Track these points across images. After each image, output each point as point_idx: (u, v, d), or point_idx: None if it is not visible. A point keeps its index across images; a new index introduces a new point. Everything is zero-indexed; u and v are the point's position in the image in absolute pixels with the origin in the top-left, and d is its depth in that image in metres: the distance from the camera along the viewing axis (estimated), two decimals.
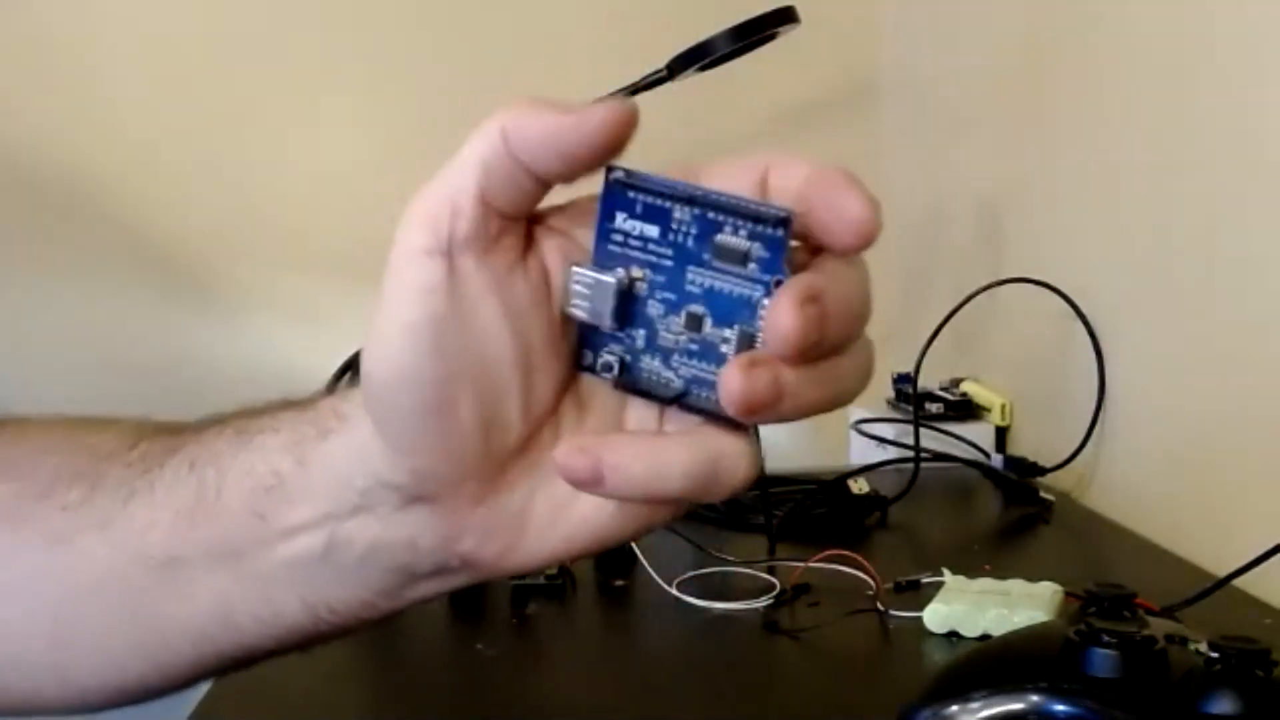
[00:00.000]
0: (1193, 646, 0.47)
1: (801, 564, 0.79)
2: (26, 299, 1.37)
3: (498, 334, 0.35)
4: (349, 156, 1.42)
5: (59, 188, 1.39)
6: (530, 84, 1.36)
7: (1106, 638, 0.46)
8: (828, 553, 0.79)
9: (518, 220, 0.35)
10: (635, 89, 1.03)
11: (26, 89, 1.37)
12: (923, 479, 1.00)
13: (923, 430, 1.05)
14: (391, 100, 1.42)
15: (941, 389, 1.16)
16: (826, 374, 0.34)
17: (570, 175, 0.34)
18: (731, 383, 0.32)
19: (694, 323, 0.35)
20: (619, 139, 0.33)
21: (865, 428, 1.13)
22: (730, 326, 0.34)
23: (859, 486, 0.97)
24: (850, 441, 1.17)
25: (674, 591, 0.79)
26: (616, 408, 0.37)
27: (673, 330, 0.35)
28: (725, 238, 0.34)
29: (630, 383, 0.36)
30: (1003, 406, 1.14)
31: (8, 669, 0.43)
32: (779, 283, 0.33)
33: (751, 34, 1.04)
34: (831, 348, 0.33)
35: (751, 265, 0.34)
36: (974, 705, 0.48)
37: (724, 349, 0.34)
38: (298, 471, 0.38)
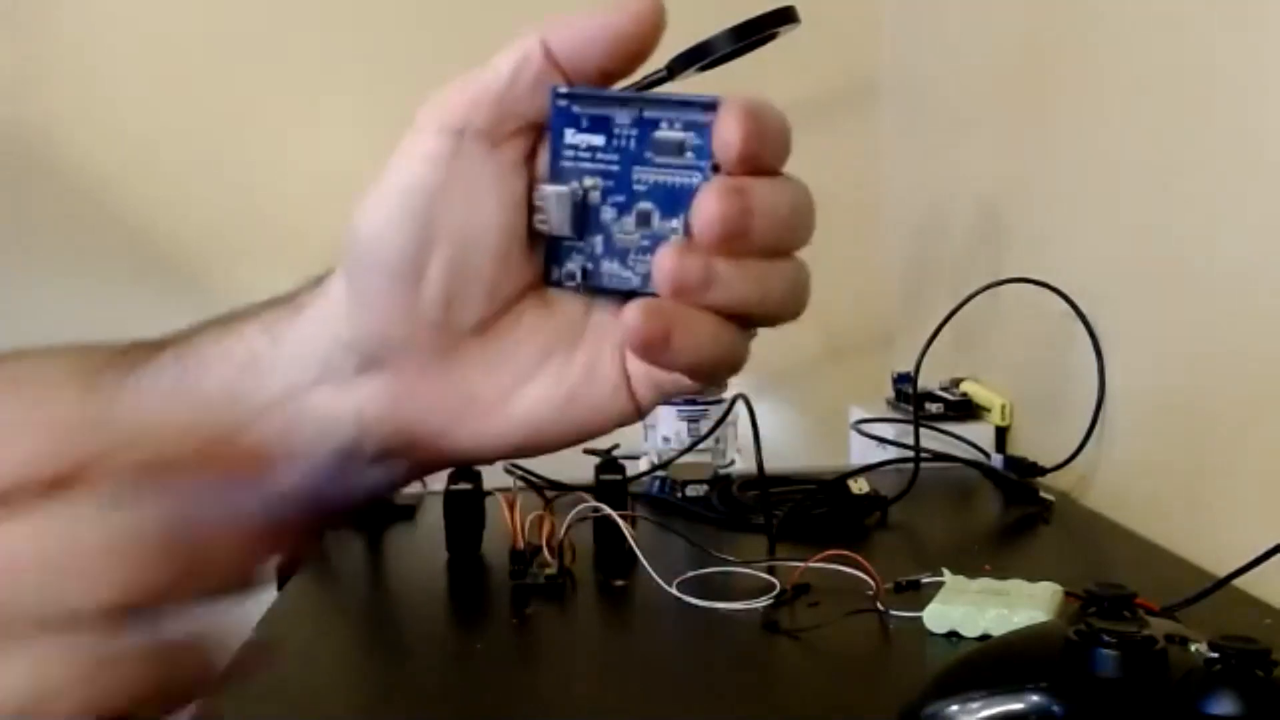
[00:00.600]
0: (1193, 646, 0.47)
1: (801, 564, 0.79)
2: (26, 298, 1.37)
3: (484, 218, 0.37)
4: (349, 156, 1.41)
5: (59, 187, 1.39)
6: None
7: (1106, 638, 0.46)
8: (828, 553, 0.79)
9: (535, 125, 0.37)
10: (635, 88, 1.03)
11: (26, 89, 1.37)
12: (923, 479, 1.00)
13: (923, 430, 1.05)
14: (391, 100, 1.41)
15: (941, 389, 1.16)
16: (756, 273, 0.35)
17: (609, 70, 0.36)
18: (664, 263, 0.34)
19: (644, 219, 0.36)
20: (649, 28, 0.36)
21: (865, 428, 1.13)
22: (676, 216, 0.36)
23: (859, 486, 0.97)
24: (850, 441, 1.17)
25: (674, 591, 0.79)
26: (582, 311, 0.38)
27: (626, 231, 0.37)
28: (662, 133, 0.36)
29: (594, 287, 0.37)
30: (1003, 406, 1.14)
31: None
32: (716, 167, 0.35)
33: (751, 34, 1.04)
34: (759, 247, 0.35)
35: (688, 154, 0.36)
36: (974, 705, 0.48)
37: (674, 239, 0.36)
38: (270, 348, 0.40)
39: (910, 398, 1.09)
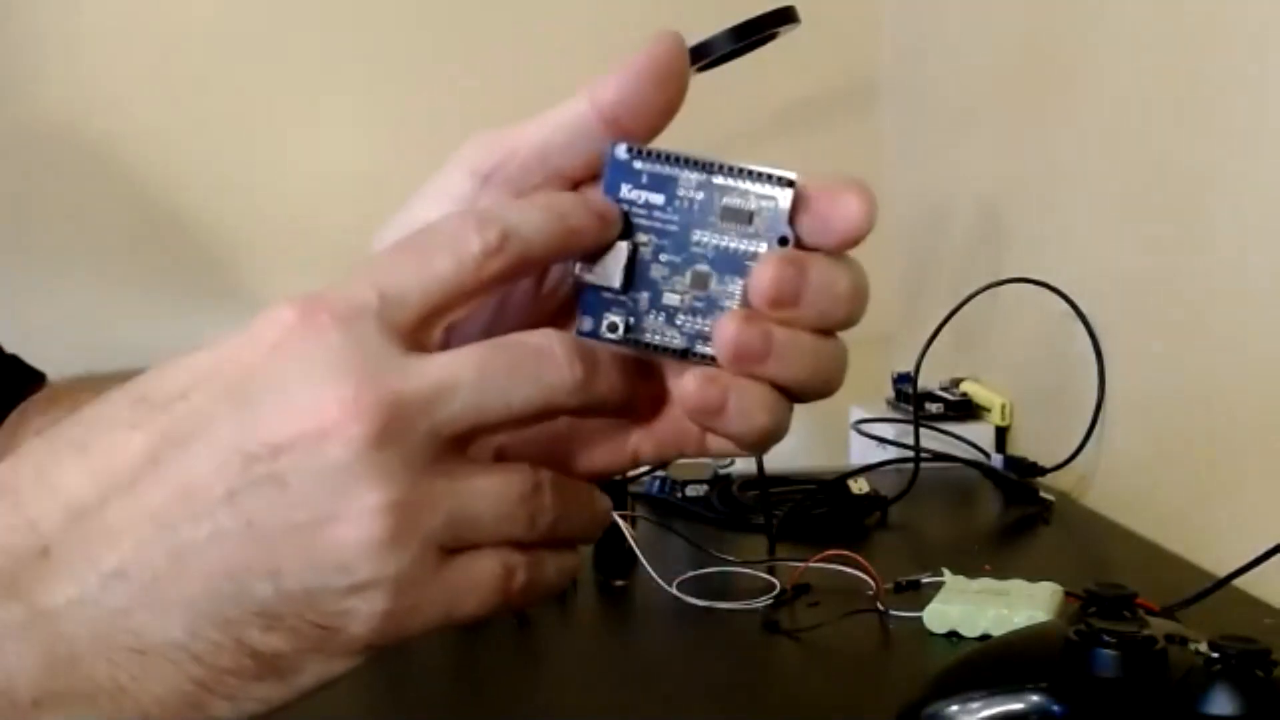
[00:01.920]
0: (1193, 646, 0.47)
1: (801, 564, 0.79)
2: (25, 298, 1.37)
3: None
4: (350, 156, 1.42)
5: (58, 187, 1.39)
6: (530, 84, 1.36)
7: (1106, 638, 0.46)
8: (828, 553, 0.79)
9: (568, 180, 0.37)
10: None
11: (26, 89, 1.37)
12: (923, 479, 1.00)
13: (923, 430, 1.05)
14: (392, 100, 1.42)
15: (941, 389, 1.16)
16: (811, 348, 0.36)
17: (658, 111, 0.36)
18: (726, 330, 0.35)
19: (700, 281, 0.37)
20: (678, 56, 0.36)
21: (865, 428, 1.13)
22: (735, 283, 0.37)
23: (859, 486, 0.96)
24: (850, 441, 1.17)
25: (674, 591, 0.78)
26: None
27: (677, 290, 0.37)
28: (732, 200, 0.36)
29: (633, 341, 0.37)
30: (1003, 406, 1.14)
31: None
32: (783, 240, 0.36)
33: (751, 34, 1.04)
34: (813, 319, 0.36)
35: (756, 224, 0.36)
36: (974, 705, 0.48)
37: (727, 304, 0.37)
38: None
39: (910, 398, 1.09)
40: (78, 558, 0.32)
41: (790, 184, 0.36)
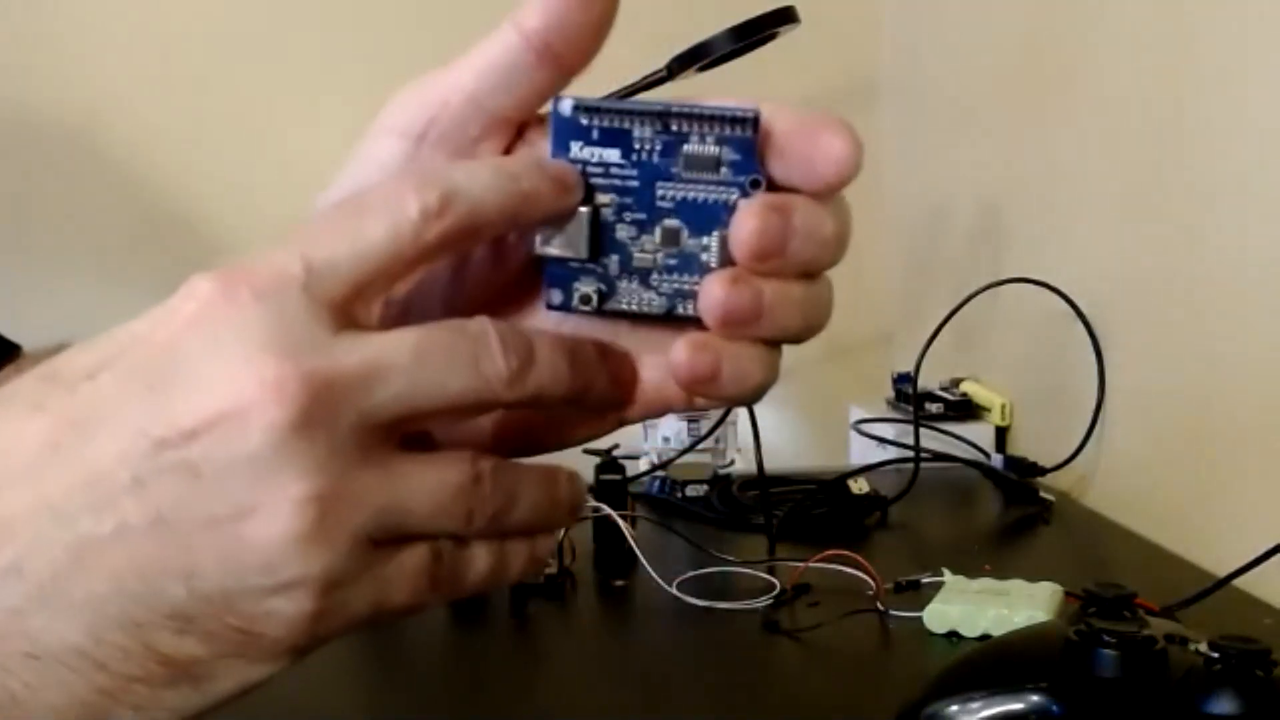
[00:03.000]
0: (1193, 646, 0.47)
1: (801, 564, 0.79)
2: (25, 298, 1.37)
3: None
4: (349, 156, 1.42)
5: (58, 187, 1.39)
6: None
7: (1106, 638, 0.46)
8: (828, 553, 0.79)
9: (509, 125, 0.34)
10: (635, 89, 1.03)
11: (26, 89, 1.37)
12: (923, 479, 1.00)
13: (923, 430, 1.05)
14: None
15: (941, 389, 1.16)
16: (801, 297, 0.33)
17: (578, 34, 0.33)
18: (713, 294, 0.32)
19: (670, 237, 0.34)
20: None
21: (865, 428, 1.13)
22: (709, 234, 0.34)
23: (859, 486, 0.96)
24: (850, 441, 1.17)
25: (674, 591, 0.78)
26: (555, 322, 0.35)
27: (648, 249, 0.34)
28: (694, 147, 0.34)
29: (611, 309, 0.35)
30: (1003, 406, 1.14)
31: None
32: (755, 182, 0.33)
33: (751, 34, 1.04)
34: (800, 266, 0.33)
35: (724, 169, 0.33)
36: (974, 705, 0.48)
37: (705, 258, 0.34)
38: None
39: (910, 398, 1.09)
40: None
41: (755, 121, 0.33)
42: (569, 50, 0.33)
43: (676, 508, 0.97)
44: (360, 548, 0.30)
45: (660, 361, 0.34)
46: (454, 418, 0.32)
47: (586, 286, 0.35)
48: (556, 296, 0.35)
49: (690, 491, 0.99)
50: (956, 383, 1.17)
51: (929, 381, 1.13)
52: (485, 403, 0.31)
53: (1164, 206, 0.93)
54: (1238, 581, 0.74)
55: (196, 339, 0.29)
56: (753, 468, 0.94)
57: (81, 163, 1.38)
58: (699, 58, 1.03)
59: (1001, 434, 1.14)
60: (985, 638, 0.70)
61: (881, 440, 1.10)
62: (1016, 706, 0.47)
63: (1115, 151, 1.00)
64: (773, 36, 1.07)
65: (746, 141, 0.33)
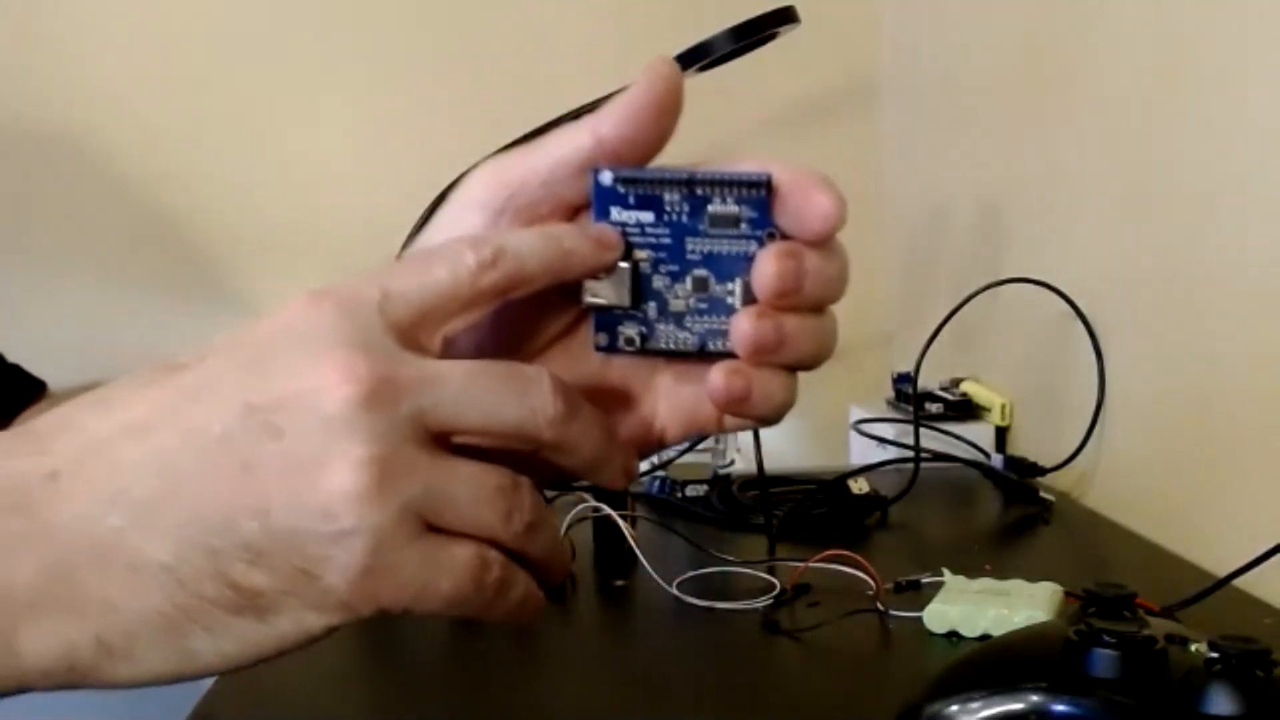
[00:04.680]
0: (1193, 646, 0.47)
1: (801, 564, 0.79)
2: (25, 298, 1.37)
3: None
4: (349, 156, 1.42)
5: (57, 187, 1.39)
6: (529, 84, 1.37)
7: (1106, 638, 0.46)
8: (828, 553, 0.79)
9: (573, 206, 0.40)
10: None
11: (26, 89, 1.37)
12: (923, 479, 1.00)
13: (923, 430, 1.05)
14: (391, 101, 1.42)
15: (941, 389, 1.16)
16: (815, 328, 0.40)
17: (655, 138, 0.39)
18: (742, 328, 0.39)
19: (700, 285, 0.40)
20: (675, 87, 0.39)
21: (865, 428, 1.13)
22: (733, 280, 0.40)
23: (859, 486, 0.97)
24: (850, 441, 1.17)
25: (674, 591, 0.79)
26: (599, 365, 0.42)
27: (680, 296, 0.40)
28: (717, 207, 0.39)
29: (650, 349, 0.41)
30: (1003, 406, 1.14)
31: None
32: (770, 235, 0.39)
33: (751, 34, 1.04)
34: (812, 302, 0.39)
35: (743, 225, 0.39)
36: (974, 705, 0.48)
37: (730, 300, 0.40)
38: None
39: (910, 398, 1.09)
40: (83, 481, 0.35)
41: (767, 185, 0.39)
42: (635, 157, 0.40)
43: (676, 508, 0.97)
44: (410, 518, 0.34)
45: (694, 391, 0.41)
46: (497, 441, 0.37)
47: (630, 330, 0.41)
48: (603, 339, 0.41)
49: (690, 491, 0.99)
50: (956, 383, 1.17)
51: (929, 381, 1.13)
52: (527, 434, 0.37)
53: (1164, 206, 0.93)
54: (1238, 581, 0.74)
55: (288, 336, 0.36)
56: (753, 468, 0.94)
57: (81, 163, 1.38)
58: (699, 58, 1.03)
59: (1001, 434, 1.14)
60: (985, 638, 0.70)
61: (881, 440, 1.10)
62: (1016, 706, 0.47)
63: (1115, 151, 1.00)
64: (773, 36, 1.07)
65: (761, 201, 0.39)
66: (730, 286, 0.40)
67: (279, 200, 1.41)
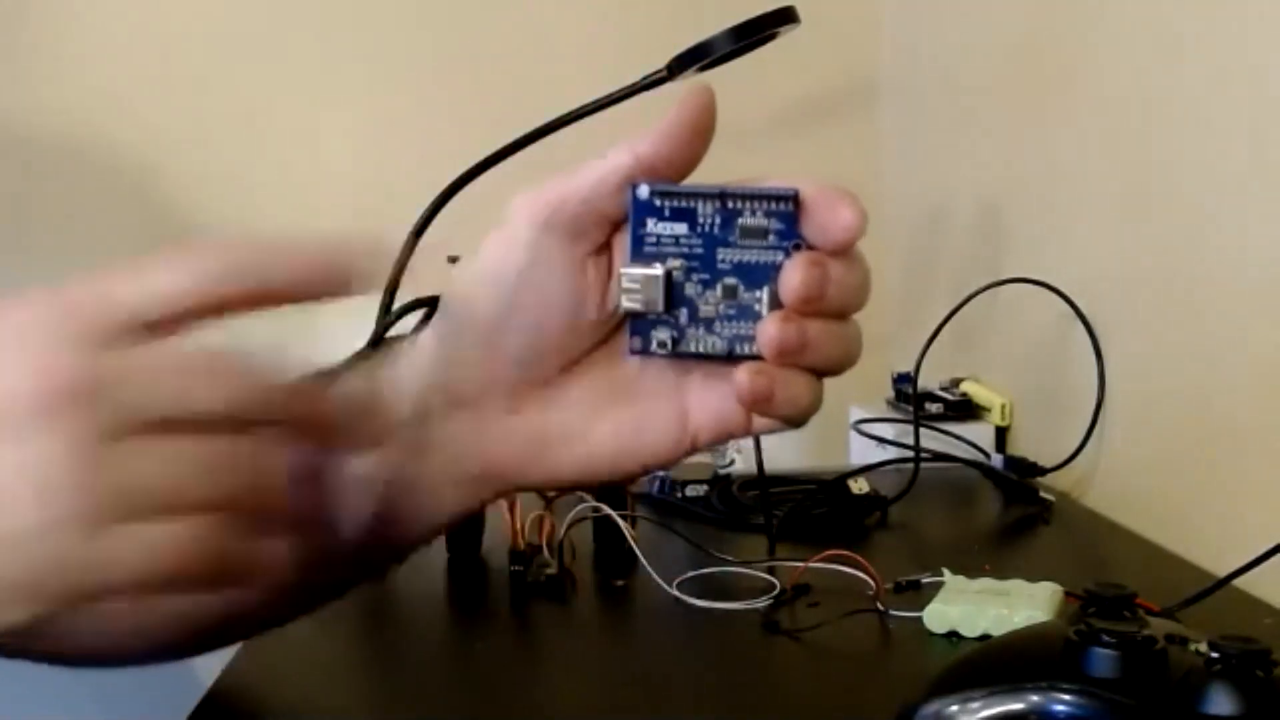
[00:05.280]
0: (1193, 646, 0.47)
1: (801, 564, 0.79)
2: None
3: (559, 296, 0.45)
4: (349, 158, 1.42)
5: (56, 189, 1.39)
6: (530, 85, 1.37)
7: (1106, 638, 0.46)
8: (828, 553, 0.79)
9: (613, 222, 0.44)
10: (635, 89, 1.03)
11: (26, 89, 1.37)
12: (923, 479, 1.00)
13: (923, 430, 1.05)
14: (391, 102, 1.42)
15: (941, 389, 1.16)
16: (838, 334, 0.43)
17: (690, 157, 0.43)
18: (768, 331, 0.42)
19: (730, 292, 0.43)
20: (710, 110, 0.43)
21: (865, 428, 1.13)
22: (760, 288, 0.43)
23: (859, 486, 0.96)
24: (850, 441, 1.17)
25: (674, 591, 0.79)
26: (636, 370, 0.46)
27: (710, 302, 0.43)
28: (747, 220, 0.42)
29: (684, 353, 0.44)
30: (1003, 406, 1.14)
31: None
32: (797, 246, 0.42)
33: (751, 34, 1.04)
34: (836, 309, 0.42)
35: (771, 237, 0.42)
36: (974, 705, 0.48)
37: (758, 307, 0.43)
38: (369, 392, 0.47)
39: (910, 398, 1.09)
40: None
41: (794, 199, 0.41)
42: (669, 172, 0.43)
43: (676, 508, 0.97)
44: (111, 507, 0.35)
45: (724, 394, 0.44)
46: (206, 428, 0.37)
47: (662, 334, 0.43)
48: (638, 343, 0.44)
49: (690, 491, 0.99)
50: (956, 383, 1.17)
51: (929, 381, 1.13)
52: (225, 417, 0.37)
53: (1164, 206, 0.93)
54: (1238, 581, 0.74)
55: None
56: (753, 468, 0.94)
57: (81, 163, 1.38)
58: (699, 58, 1.03)
59: (1001, 434, 1.14)
60: (985, 638, 0.70)
61: (881, 440, 1.10)
62: (1016, 706, 0.47)
63: (1115, 151, 1.00)
64: (773, 36, 1.07)
65: (789, 214, 0.42)
66: (758, 294, 0.43)
67: (279, 200, 1.41)
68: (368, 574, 0.55)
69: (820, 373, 0.43)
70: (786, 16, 1.06)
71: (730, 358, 0.43)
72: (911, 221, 1.40)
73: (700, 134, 0.43)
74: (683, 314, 0.43)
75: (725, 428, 0.45)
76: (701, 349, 0.43)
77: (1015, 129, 1.19)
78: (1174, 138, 0.92)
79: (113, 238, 1.40)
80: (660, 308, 0.43)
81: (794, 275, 0.42)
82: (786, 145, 1.42)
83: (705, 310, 0.43)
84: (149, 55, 1.38)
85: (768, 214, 0.42)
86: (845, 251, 0.42)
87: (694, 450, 0.46)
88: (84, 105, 1.38)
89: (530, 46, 1.40)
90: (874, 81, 1.47)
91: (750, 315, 0.43)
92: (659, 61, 1.05)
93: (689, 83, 0.44)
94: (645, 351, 0.44)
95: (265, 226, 1.40)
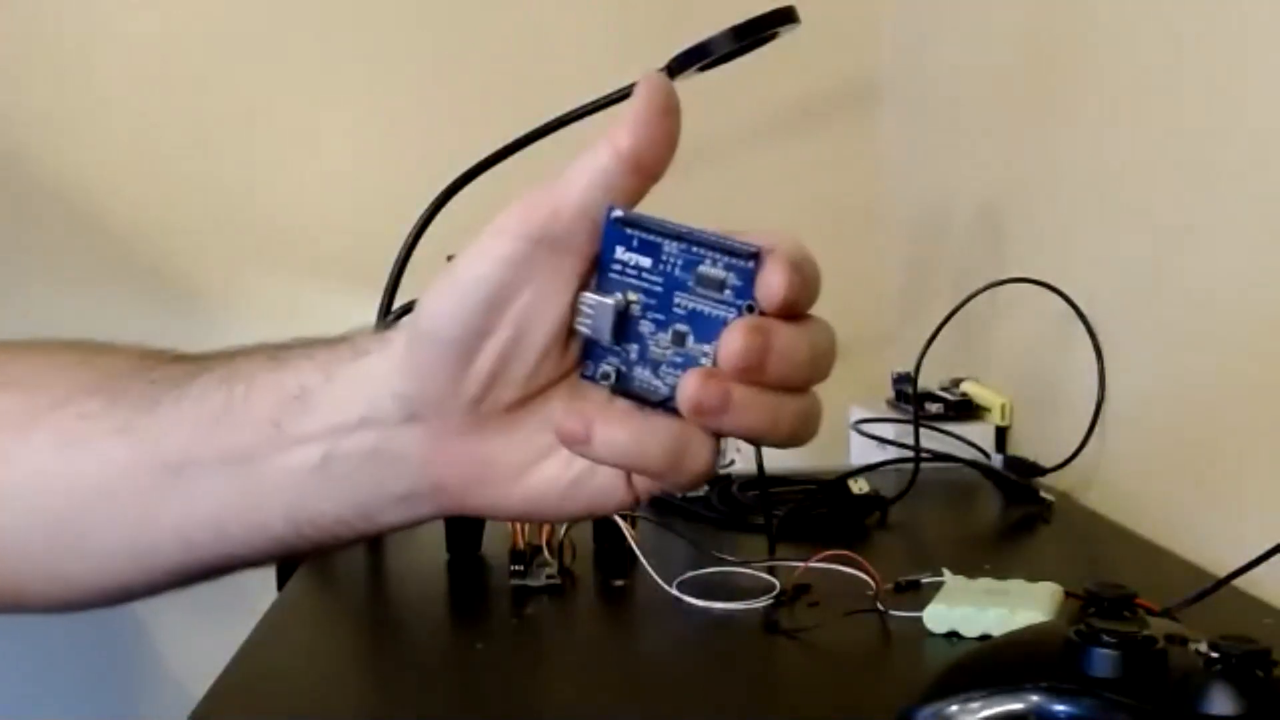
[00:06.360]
0: (1193, 646, 0.47)
1: (801, 564, 0.79)
2: (19, 301, 1.37)
3: (539, 316, 0.42)
4: (349, 159, 1.42)
5: (54, 190, 1.39)
6: (530, 85, 1.37)
7: (1106, 638, 0.46)
8: (828, 553, 0.79)
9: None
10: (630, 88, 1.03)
11: (21, 92, 1.37)
12: (923, 479, 1.00)
13: (923, 430, 1.05)
14: (391, 103, 1.42)
15: (941, 389, 1.16)
16: (769, 404, 0.40)
17: (660, 140, 0.41)
18: (688, 387, 0.39)
19: (679, 339, 0.41)
20: (671, 94, 0.41)
21: (865, 428, 1.13)
22: (709, 342, 0.40)
23: (859, 486, 0.97)
24: (850, 441, 1.17)
25: (674, 591, 0.79)
26: (604, 404, 0.43)
27: (661, 345, 0.41)
28: (706, 269, 0.40)
29: (624, 389, 0.42)
30: (1003, 406, 1.14)
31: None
32: (750, 308, 0.40)
33: (751, 34, 1.04)
34: (776, 380, 0.40)
35: (727, 292, 0.40)
36: (974, 705, 0.48)
37: (703, 361, 0.40)
38: (323, 386, 0.45)
39: (910, 398, 1.09)
40: None
41: (755, 257, 0.39)
42: (654, 160, 0.41)
43: (676, 508, 0.97)
44: None
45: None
46: None
47: (608, 365, 0.42)
48: (588, 368, 0.42)
49: (690, 491, 0.99)
50: (956, 383, 1.17)
51: (929, 381, 1.13)
52: None
53: (1165, 207, 0.93)
54: (1238, 581, 0.74)
55: None
56: (753, 468, 0.94)
57: (82, 162, 1.38)
58: (699, 58, 1.03)
59: (1001, 434, 1.14)
60: (985, 638, 0.70)
61: (881, 440, 1.10)
62: (1016, 706, 0.47)
63: (1116, 152, 1.00)
64: (773, 36, 1.07)
65: (747, 272, 0.39)
66: (705, 348, 0.40)
67: (279, 200, 1.41)
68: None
69: (748, 439, 0.41)
70: (786, 16, 1.06)
71: (664, 405, 0.41)
72: (912, 221, 1.40)
73: (669, 111, 0.41)
74: (633, 350, 0.42)
75: (659, 485, 0.43)
76: (642, 391, 0.42)
77: (1015, 129, 1.19)
78: (1174, 138, 0.92)
79: (112, 238, 1.40)
80: (607, 338, 0.41)
81: (734, 340, 0.39)
82: (787, 146, 1.42)
83: (655, 352, 0.41)
84: (149, 55, 1.38)
85: (727, 267, 0.40)
86: (778, 315, 0.40)
87: (639, 503, 0.45)
88: (83, 105, 1.38)
89: (529, 46, 1.40)
90: (874, 82, 1.47)
91: (694, 366, 0.41)
92: (658, 62, 1.05)
93: (642, 74, 0.43)
94: (591, 378, 0.42)
95: (265, 227, 1.41)
